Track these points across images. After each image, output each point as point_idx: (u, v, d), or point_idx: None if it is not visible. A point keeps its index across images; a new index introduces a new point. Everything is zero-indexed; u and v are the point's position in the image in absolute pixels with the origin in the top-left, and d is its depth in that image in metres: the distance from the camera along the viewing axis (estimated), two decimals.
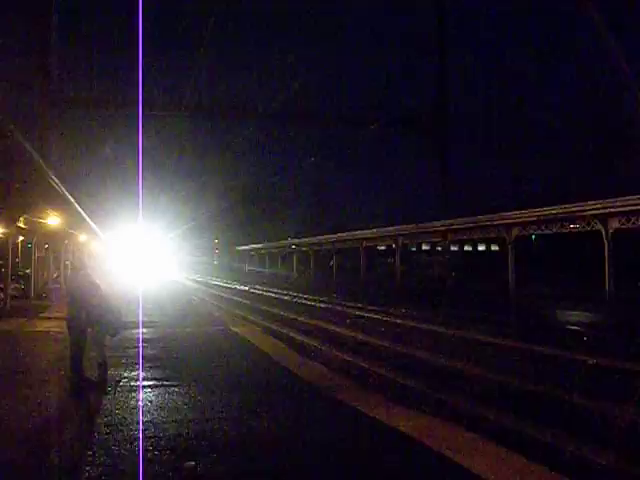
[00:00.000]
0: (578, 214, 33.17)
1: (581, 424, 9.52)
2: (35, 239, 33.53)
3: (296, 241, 77.27)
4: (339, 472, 6.53)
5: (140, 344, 15.09)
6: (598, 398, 10.88)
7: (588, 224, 33.21)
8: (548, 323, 24.77)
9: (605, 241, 31.77)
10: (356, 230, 62.01)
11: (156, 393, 9.72)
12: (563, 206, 33.73)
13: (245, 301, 38.19)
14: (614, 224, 31.45)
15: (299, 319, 26.51)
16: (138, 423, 7.91)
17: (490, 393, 12.01)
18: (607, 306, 29.06)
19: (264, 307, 33.19)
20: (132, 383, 10.52)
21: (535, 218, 36.45)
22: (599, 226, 32.06)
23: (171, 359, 13.29)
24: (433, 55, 59.01)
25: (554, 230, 36.77)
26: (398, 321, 24.64)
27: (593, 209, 31.59)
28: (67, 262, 45.33)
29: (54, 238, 38.62)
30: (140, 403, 9.04)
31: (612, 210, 30.71)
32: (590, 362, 14.79)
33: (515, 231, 39.16)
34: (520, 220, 37.82)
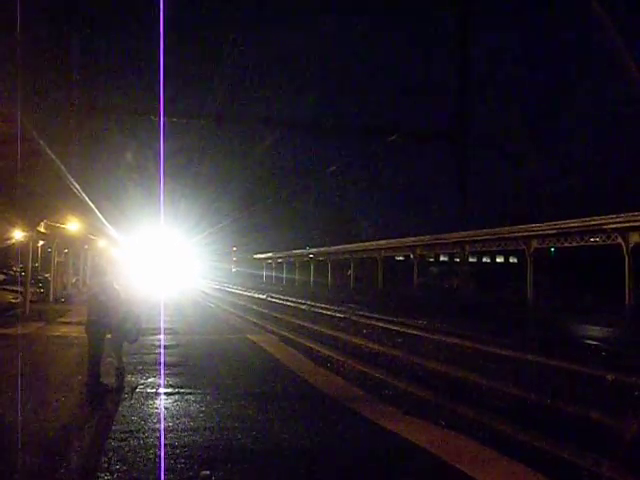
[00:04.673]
0: (598, 227, 32.97)
1: (601, 441, 9.39)
2: (55, 244, 33.80)
3: (313, 250, 77.33)
4: None
5: (160, 350, 15.17)
6: (618, 415, 10.74)
7: (608, 237, 33.00)
8: (566, 337, 24.53)
9: (625, 255, 31.53)
10: (374, 240, 62.01)
11: (172, 400, 9.73)
12: (583, 219, 33.58)
13: (262, 309, 38.20)
14: (635, 238, 31.22)
15: (316, 328, 26.47)
16: (154, 431, 7.93)
17: (506, 407, 11.91)
18: (628, 320, 28.83)
19: (281, 316, 33.18)
20: (149, 390, 10.54)
21: (555, 231, 36.30)
22: (619, 240, 31.84)
23: (188, 366, 13.30)
24: (454, 67, 58.87)
25: (573, 243, 36.57)
26: (415, 332, 24.51)
27: (614, 223, 31.40)
28: (86, 267, 45.67)
29: (74, 243, 38.95)
30: (161, 410, 9.06)
31: (633, 224, 30.49)
32: (608, 378, 14.63)
33: (534, 243, 39.00)
34: (539, 232, 37.67)
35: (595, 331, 26.06)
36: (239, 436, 7.81)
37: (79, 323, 17.27)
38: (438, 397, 12.43)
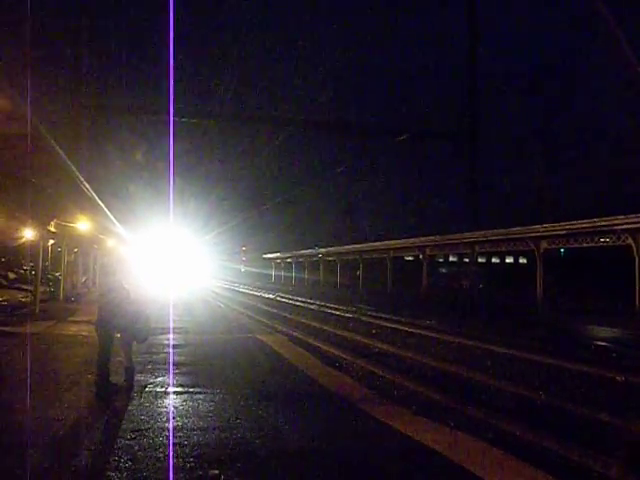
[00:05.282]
0: (608, 228, 32.80)
1: (610, 443, 9.34)
2: (65, 243, 33.92)
3: (323, 250, 77.26)
4: None
5: (169, 350, 15.20)
6: (630, 417, 10.68)
7: (618, 238, 32.81)
8: (576, 338, 24.42)
9: (636, 257, 31.34)
10: (383, 240, 61.89)
11: (181, 399, 9.75)
12: (593, 220, 33.38)
13: (272, 309, 38.22)
14: None
15: (325, 329, 26.45)
16: (164, 430, 7.94)
17: (516, 408, 11.87)
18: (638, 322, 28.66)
19: (290, 315, 33.19)
20: (158, 389, 10.56)
21: (564, 231, 36.12)
22: (629, 240, 31.65)
23: (197, 366, 13.32)
24: (463, 67, 58.90)
25: (583, 244, 36.39)
26: (424, 333, 24.46)
27: (624, 223, 31.21)
28: (96, 266, 45.83)
29: (84, 242, 39.12)
30: (170, 410, 9.07)
31: None
32: (618, 379, 14.56)
33: (544, 244, 38.81)
34: (549, 233, 37.49)
35: (604, 332, 25.92)
36: (248, 435, 7.81)
37: (89, 322, 17.35)
38: (447, 398, 12.40)
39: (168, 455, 6.84)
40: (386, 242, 60.41)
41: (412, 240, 54.60)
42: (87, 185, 18.84)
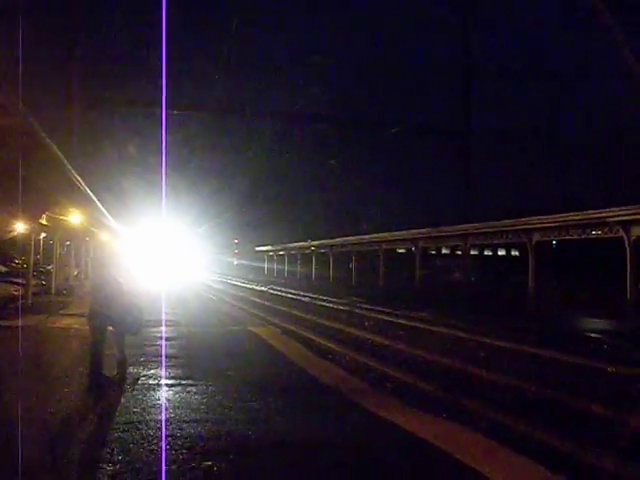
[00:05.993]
0: (600, 220, 32.90)
1: (603, 434, 9.39)
2: (57, 236, 33.82)
3: (315, 243, 77.16)
4: None
5: (162, 342, 15.19)
6: (621, 408, 10.73)
7: (610, 230, 32.93)
8: (567, 330, 24.52)
9: (627, 248, 31.46)
10: (375, 233, 61.86)
11: (174, 392, 9.76)
12: (585, 212, 33.49)
13: (264, 302, 38.24)
14: (637, 231, 31.13)
15: (317, 321, 26.48)
16: (156, 422, 7.95)
17: (507, 399, 11.91)
18: (630, 314, 28.80)
19: (282, 308, 33.20)
20: (151, 381, 10.57)
21: (557, 224, 36.22)
22: (621, 233, 31.76)
23: (189, 358, 13.33)
24: (458, 60, 58.92)
25: (575, 236, 36.50)
26: (416, 324, 24.51)
27: (616, 216, 31.32)
28: (88, 259, 45.73)
29: (76, 235, 39.05)
30: (162, 402, 9.09)
31: (635, 217, 30.41)
32: (609, 370, 14.63)
33: (536, 236, 38.90)
34: (541, 225, 37.58)
35: (595, 324, 26.05)
36: (241, 427, 7.83)
37: (81, 315, 17.30)
38: (440, 389, 12.44)
39: (161, 447, 6.85)
40: (379, 234, 60.40)
41: (405, 232, 54.63)
42: (79, 178, 18.80)
